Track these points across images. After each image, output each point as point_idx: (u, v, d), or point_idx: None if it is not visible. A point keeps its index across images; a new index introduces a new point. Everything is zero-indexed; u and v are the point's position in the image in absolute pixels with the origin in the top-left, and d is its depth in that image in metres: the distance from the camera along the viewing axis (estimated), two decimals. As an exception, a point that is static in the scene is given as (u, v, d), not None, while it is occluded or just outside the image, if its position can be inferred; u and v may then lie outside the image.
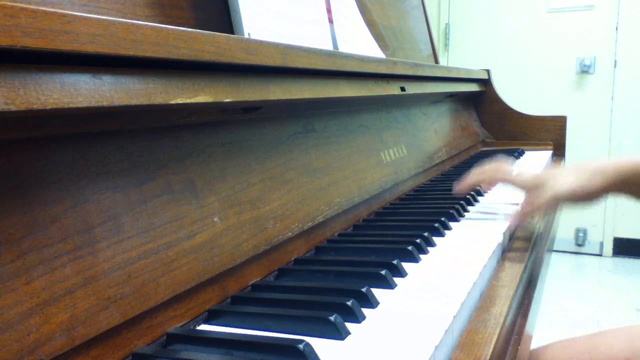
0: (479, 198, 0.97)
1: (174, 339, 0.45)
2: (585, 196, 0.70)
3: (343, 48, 0.91)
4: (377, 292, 0.52)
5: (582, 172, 0.70)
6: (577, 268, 3.05)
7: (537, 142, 1.69)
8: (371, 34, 1.08)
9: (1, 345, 0.33)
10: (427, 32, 1.69)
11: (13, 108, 0.31)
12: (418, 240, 0.66)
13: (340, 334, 0.43)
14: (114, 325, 0.40)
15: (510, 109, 1.74)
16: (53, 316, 0.36)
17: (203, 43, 0.46)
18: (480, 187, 1.01)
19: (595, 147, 3.07)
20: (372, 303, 0.50)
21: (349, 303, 0.47)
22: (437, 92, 1.24)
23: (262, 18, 0.70)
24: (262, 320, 0.47)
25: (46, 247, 0.37)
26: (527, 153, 1.59)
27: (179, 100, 0.45)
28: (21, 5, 0.31)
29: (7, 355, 0.33)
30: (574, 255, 3.23)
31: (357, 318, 0.46)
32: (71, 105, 0.35)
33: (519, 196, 0.84)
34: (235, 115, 0.59)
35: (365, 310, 0.48)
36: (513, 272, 0.62)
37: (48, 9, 0.33)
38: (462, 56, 3.40)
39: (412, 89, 1.04)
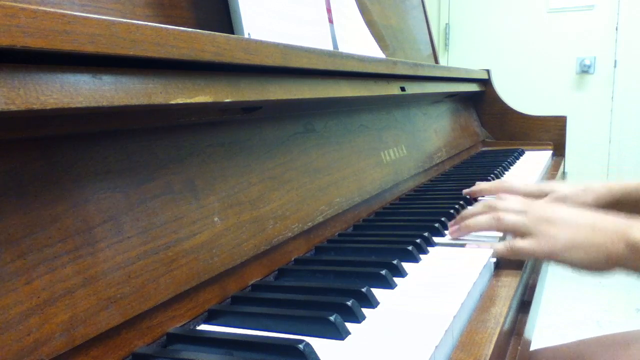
0: (479, 198, 0.97)
1: (174, 339, 0.45)
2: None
3: (343, 48, 0.91)
4: (377, 292, 0.52)
5: (580, 188, 0.83)
6: (577, 268, 3.04)
7: (537, 142, 1.69)
8: (371, 34, 1.08)
9: (1, 345, 0.33)
10: (427, 32, 1.69)
11: (13, 108, 0.31)
12: (418, 240, 0.66)
13: (340, 334, 0.43)
14: (114, 325, 0.40)
15: (510, 109, 1.74)
16: (53, 316, 0.36)
17: (203, 43, 0.46)
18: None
19: (595, 147, 3.07)
20: (372, 303, 0.50)
21: (349, 303, 0.47)
22: (437, 92, 1.24)
23: (262, 18, 0.70)
24: (262, 320, 0.47)
25: (46, 247, 0.37)
26: (527, 153, 1.58)
27: (179, 100, 0.45)
28: (21, 5, 0.31)
29: (7, 355, 0.33)
30: (574, 255, 3.22)
31: (357, 318, 0.46)
32: (71, 105, 0.35)
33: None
34: (235, 115, 0.59)
35: (365, 310, 0.48)
36: (513, 272, 0.62)
37: (48, 9, 0.33)
38: (462, 56, 3.40)
39: (412, 89, 1.04)
